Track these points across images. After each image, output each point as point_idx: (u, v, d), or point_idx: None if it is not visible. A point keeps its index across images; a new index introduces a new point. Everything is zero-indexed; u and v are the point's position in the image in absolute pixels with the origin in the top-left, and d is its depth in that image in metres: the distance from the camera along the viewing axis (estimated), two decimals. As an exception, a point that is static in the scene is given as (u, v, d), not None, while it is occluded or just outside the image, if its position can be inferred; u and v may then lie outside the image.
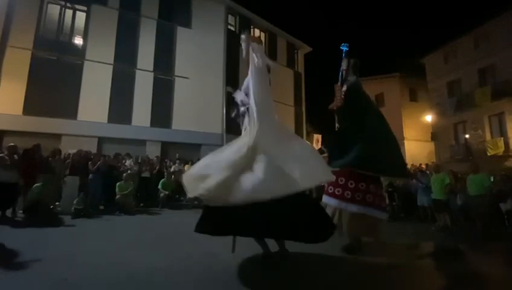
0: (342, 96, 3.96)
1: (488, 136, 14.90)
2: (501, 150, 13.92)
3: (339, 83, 4.10)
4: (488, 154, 14.20)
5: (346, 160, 3.70)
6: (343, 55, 4.21)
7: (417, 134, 19.04)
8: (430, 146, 18.48)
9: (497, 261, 3.95)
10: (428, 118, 17.76)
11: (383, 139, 3.79)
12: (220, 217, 2.64)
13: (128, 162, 8.94)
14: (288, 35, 20.79)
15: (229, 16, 17.54)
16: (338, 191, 3.73)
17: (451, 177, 6.87)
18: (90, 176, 7.14)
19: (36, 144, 6.81)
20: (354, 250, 3.69)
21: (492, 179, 7.76)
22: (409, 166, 12.54)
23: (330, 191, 3.82)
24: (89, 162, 7.34)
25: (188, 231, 2.89)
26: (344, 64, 4.15)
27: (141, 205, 8.06)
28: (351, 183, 3.69)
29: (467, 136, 15.89)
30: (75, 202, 6.14)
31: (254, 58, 3.15)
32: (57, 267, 2.86)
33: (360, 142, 3.68)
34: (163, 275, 2.76)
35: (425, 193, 7.02)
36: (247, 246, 3.22)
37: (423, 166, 11.56)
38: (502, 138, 14.06)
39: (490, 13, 14.72)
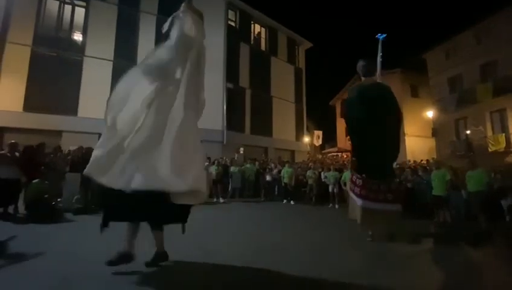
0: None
1: (489, 132, 14.87)
2: (502, 146, 13.90)
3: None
4: (489, 150, 14.18)
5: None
6: (380, 44, 4.40)
7: (418, 130, 19.01)
8: (431, 142, 18.47)
9: (496, 257, 3.97)
10: (430, 114, 17.70)
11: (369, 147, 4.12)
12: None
13: None
14: (289, 31, 20.66)
15: (229, 11, 17.42)
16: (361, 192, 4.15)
17: (451, 174, 6.87)
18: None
19: (41, 142, 6.85)
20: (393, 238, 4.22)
21: (493, 176, 7.76)
22: (411, 162, 12.58)
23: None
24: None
25: (188, 226, 2.89)
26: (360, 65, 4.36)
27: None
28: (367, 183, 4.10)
29: (468, 132, 15.85)
30: (74, 200, 6.16)
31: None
32: (58, 263, 2.88)
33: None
34: (164, 271, 2.77)
35: (426, 188, 7.03)
36: (243, 245, 3.23)
37: (424, 162, 11.58)
38: (504, 134, 14.04)
39: (492, 8, 14.60)
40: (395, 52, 40.62)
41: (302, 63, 21.99)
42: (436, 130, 17.84)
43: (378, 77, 4.48)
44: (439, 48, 17.90)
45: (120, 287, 2.39)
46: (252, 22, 18.87)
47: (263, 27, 19.52)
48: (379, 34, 4.56)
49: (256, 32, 19.31)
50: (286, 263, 3.12)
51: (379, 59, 4.55)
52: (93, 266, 2.79)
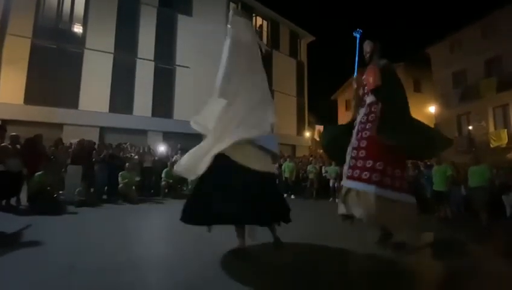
0: (379, 76, 3.82)
1: (491, 128, 14.79)
2: (504, 141, 13.84)
3: (371, 65, 3.98)
4: (491, 146, 14.13)
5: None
6: (358, 41, 4.13)
7: (420, 125, 18.91)
8: (432, 138, 18.37)
9: (496, 253, 3.97)
10: (432, 109, 17.58)
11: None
12: (200, 207, 2.84)
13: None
14: (291, 24, 20.40)
15: (231, 4, 17.18)
16: (365, 175, 3.34)
17: (453, 169, 6.85)
18: (97, 165, 7.20)
19: (38, 134, 6.82)
20: (386, 241, 3.64)
21: (494, 171, 7.73)
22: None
23: (356, 175, 3.46)
24: (94, 152, 7.36)
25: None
26: (369, 48, 4.01)
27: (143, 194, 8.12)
28: (380, 165, 3.29)
29: (471, 127, 15.77)
30: (76, 193, 6.19)
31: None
32: (60, 254, 2.90)
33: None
34: (166, 263, 2.79)
35: (427, 184, 7.04)
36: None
37: (425, 157, 11.53)
38: (506, 130, 13.97)
39: (498, 3, 14.36)
40: (399, 45, 40.16)
41: (304, 56, 21.77)
42: (438, 126, 17.74)
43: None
44: (443, 42, 17.67)
45: (122, 277, 2.40)
46: (253, 15, 18.63)
47: (265, 20, 19.28)
48: (355, 31, 4.28)
49: (258, 25, 19.07)
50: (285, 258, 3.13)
51: (356, 58, 4.23)
52: (95, 258, 2.81)
